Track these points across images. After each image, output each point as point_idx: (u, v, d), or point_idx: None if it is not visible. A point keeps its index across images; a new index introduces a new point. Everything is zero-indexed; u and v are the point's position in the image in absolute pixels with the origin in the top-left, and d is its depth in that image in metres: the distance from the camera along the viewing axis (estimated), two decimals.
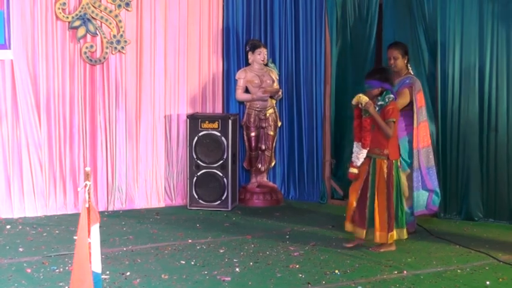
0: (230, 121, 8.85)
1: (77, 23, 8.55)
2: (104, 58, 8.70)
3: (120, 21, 8.75)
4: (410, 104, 7.58)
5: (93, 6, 8.60)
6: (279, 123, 9.38)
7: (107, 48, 8.70)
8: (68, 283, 5.84)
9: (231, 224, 8.26)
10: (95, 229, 3.71)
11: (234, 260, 6.73)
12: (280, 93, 9.31)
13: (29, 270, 6.38)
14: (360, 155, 7.05)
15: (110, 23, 8.71)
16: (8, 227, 7.98)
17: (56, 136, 8.58)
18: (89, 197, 3.58)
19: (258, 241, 7.42)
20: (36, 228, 7.91)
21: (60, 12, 8.46)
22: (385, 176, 6.99)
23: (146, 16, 8.92)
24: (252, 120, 9.18)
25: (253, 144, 9.24)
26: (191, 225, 8.19)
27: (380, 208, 6.98)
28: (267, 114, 9.21)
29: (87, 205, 3.59)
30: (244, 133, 9.30)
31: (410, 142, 7.58)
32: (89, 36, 8.65)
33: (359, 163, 7.07)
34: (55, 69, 8.54)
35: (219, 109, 9.44)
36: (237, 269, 6.43)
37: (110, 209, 8.81)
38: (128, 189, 8.96)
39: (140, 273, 6.30)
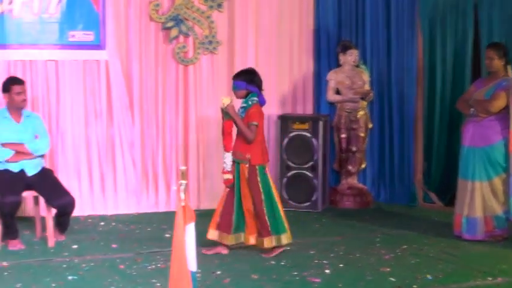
0: (321, 122, 8.83)
1: (170, 24, 8.66)
2: (196, 59, 8.79)
3: (212, 22, 8.82)
4: (507, 107, 7.38)
5: (186, 7, 8.70)
6: (370, 125, 9.31)
7: (198, 48, 8.79)
8: (160, 280, 5.97)
9: (320, 226, 8.24)
10: (191, 228, 3.74)
11: (323, 261, 6.69)
12: (371, 94, 9.25)
13: (122, 267, 6.48)
14: (226, 159, 6.83)
15: (202, 24, 8.79)
16: (102, 223, 8.15)
17: (149, 135, 8.72)
18: (185, 196, 3.62)
19: (348, 243, 7.37)
20: (128, 226, 8.05)
21: (154, 14, 8.58)
22: (246, 180, 6.76)
23: (238, 17, 8.98)
24: (342, 121, 9.14)
25: (343, 145, 9.20)
26: None
27: (248, 213, 6.83)
28: (358, 116, 9.15)
29: (183, 204, 3.62)
30: (335, 134, 9.27)
31: (506, 146, 7.38)
32: (181, 37, 8.76)
33: (229, 168, 6.82)
34: (148, 69, 8.68)
35: (309, 110, 9.43)
36: (327, 271, 6.39)
37: (201, 207, 8.88)
38: (218, 188, 9.00)
39: (230, 272, 6.32)
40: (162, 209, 8.74)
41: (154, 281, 6.05)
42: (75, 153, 8.49)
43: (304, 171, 8.89)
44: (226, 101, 6.72)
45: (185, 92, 8.83)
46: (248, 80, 6.81)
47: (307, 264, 6.59)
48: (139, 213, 8.65)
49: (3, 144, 7.23)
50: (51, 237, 7.18)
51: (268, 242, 6.81)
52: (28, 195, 7.27)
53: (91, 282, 6.04)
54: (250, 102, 6.76)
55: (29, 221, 7.83)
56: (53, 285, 5.97)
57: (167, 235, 7.57)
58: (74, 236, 7.48)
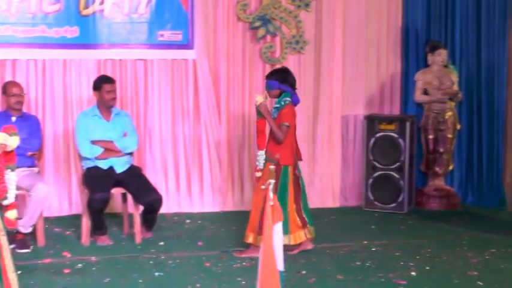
0: (408, 123, 8.73)
1: (258, 24, 8.68)
2: (283, 58, 8.79)
3: (299, 21, 8.81)
4: None
5: (274, 7, 8.71)
6: (458, 126, 9.15)
7: (286, 48, 8.79)
8: (246, 278, 6.02)
9: (406, 227, 8.15)
10: (278, 227, 3.76)
11: (409, 263, 6.62)
12: (459, 95, 9.09)
13: (207, 264, 6.55)
14: (258, 157, 6.81)
15: (290, 24, 8.80)
16: (188, 221, 8.23)
17: (235, 134, 8.77)
18: (274, 195, 3.63)
19: (434, 245, 7.27)
20: (214, 224, 8.11)
21: (242, 13, 8.63)
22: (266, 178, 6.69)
23: (325, 16, 8.93)
24: (430, 122, 9.01)
25: (430, 146, 9.07)
26: (366, 226, 8.14)
27: (253, 208, 6.81)
28: (446, 117, 9.00)
29: (271, 203, 3.64)
30: (422, 135, 9.15)
31: None
32: (268, 37, 8.78)
33: (260, 166, 6.79)
34: (235, 68, 8.73)
35: (396, 110, 9.33)
36: (413, 273, 6.33)
37: None
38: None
39: (315, 272, 6.32)
40: (247, 208, 8.73)
41: (239, 279, 6.10)
42: (162, 152, 8.60)
43: (390, 172, 8.80)
44: (259, 99, 6.72)
45: None
46: (281, 80, 6.76)
47: (392, 266, 6.54)
48: (224, 211, 8.70)
49: (93, 142, 7.38)
50: (139, 234, 7.30)
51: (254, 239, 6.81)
52: (116, 192, 7.40)
53: (177, 279, 6.13)
54: (282, 103, 6.72)
55: (117, 217, 7.97)
56: (140, 281, 6.08)
57: None
58: (161, 233, 7.58)
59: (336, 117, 9.05)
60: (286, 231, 6.73)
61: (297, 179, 6.83)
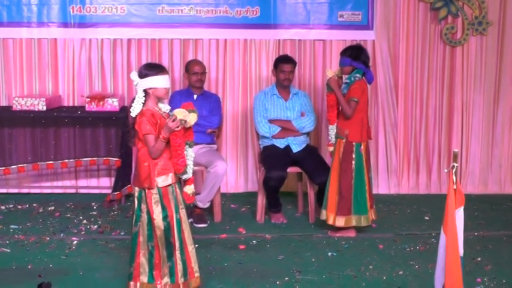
0: None
1: (439, 4, 8.49)
2: (464, 40, 8.57)
3: (483, 2, 8.54)
4: None
5: None
6: None
7: (467, 29, 8.56)
8: (419, 263, 6.01)
9: None
10: (460, 212, 3.71)
11: None
12: None
13: (381, 246, 6.52)
14: (330, 131, 6.83)
15: (472, 4, 8.55)
16: None
17: (412, 116, 8.65)
18: (457, 179, 3.58)
19: None
20: (388, 206, 8.02)
21: None
22: (340, 156, 6.67)
23: None
24: None
25: None
26: None
27: (331, 188, 6.67)
28: None
29: (454, 187, 3.59)
30: None
31: None
32: (450, 18, 8.58)
33: (332, 141, 6.80)
34: (414, 50, 8.58)
35: None
36: None
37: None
38: (480, 173, 8.79)
39: (492, 260, 6.16)
40: (422, 191, 8.66)
41: (412, 263, 6.05)
42: None
43: None
44: (329, 73, 6.76)
45: (451, 74, 8.64)
46: (353, 57, 6.71)
47: None
48: (399, 194, 8.62)
49: (271, 121, 7.50)
50: (313, 213, 7.35)
51: (341, 221, 6.73)
52: (292, 171, 7.47)
53: (350, 259, 6.15)
54: (352, 78, 6.68)
55: (292, 196, 8.06)
56: (313, 259, 6.15)
57: (426, 218, 7.52)
58: None
59: None
60: (365, 211, 6.74)
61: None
